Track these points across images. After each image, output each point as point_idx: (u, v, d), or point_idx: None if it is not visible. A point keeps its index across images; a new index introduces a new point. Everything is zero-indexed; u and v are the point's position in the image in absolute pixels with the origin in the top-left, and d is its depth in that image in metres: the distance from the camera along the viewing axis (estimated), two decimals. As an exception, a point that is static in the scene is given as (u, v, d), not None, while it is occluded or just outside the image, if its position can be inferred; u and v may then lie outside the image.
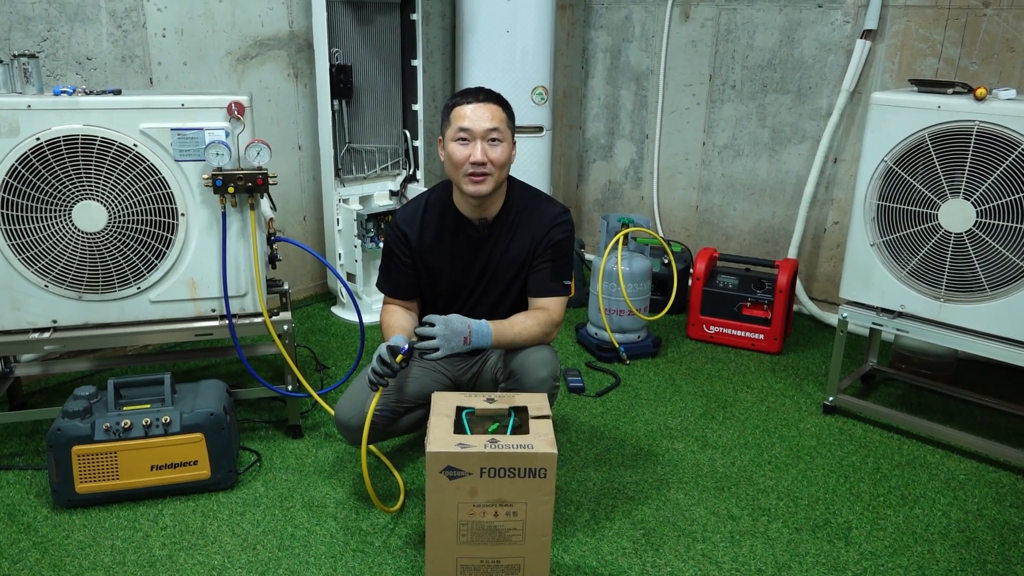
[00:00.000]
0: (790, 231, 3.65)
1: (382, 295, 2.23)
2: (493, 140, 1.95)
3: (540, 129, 3.81)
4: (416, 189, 3.63)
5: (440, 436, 1.55)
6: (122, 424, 2.08)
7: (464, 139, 1.95)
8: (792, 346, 3.32)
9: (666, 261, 3.56)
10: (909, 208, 2.39)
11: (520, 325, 2.03)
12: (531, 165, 3.89)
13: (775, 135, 3.67)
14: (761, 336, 3.23)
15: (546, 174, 3.96)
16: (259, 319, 2.37)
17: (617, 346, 3.13)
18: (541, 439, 1.55)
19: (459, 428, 1.64)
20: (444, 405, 1.70)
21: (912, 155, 2.36)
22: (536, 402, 1.74)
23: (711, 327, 3.33)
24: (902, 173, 2.39)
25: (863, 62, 3.31)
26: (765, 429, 2.63)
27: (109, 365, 2.76)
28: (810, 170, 3.50)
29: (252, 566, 1.92)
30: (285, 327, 2.41)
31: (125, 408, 2.15)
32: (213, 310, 2.36)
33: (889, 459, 2.45)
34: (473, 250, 2.11)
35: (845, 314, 2.61)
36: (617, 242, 3.09)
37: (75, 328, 2.28)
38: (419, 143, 3.61)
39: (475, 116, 1.94)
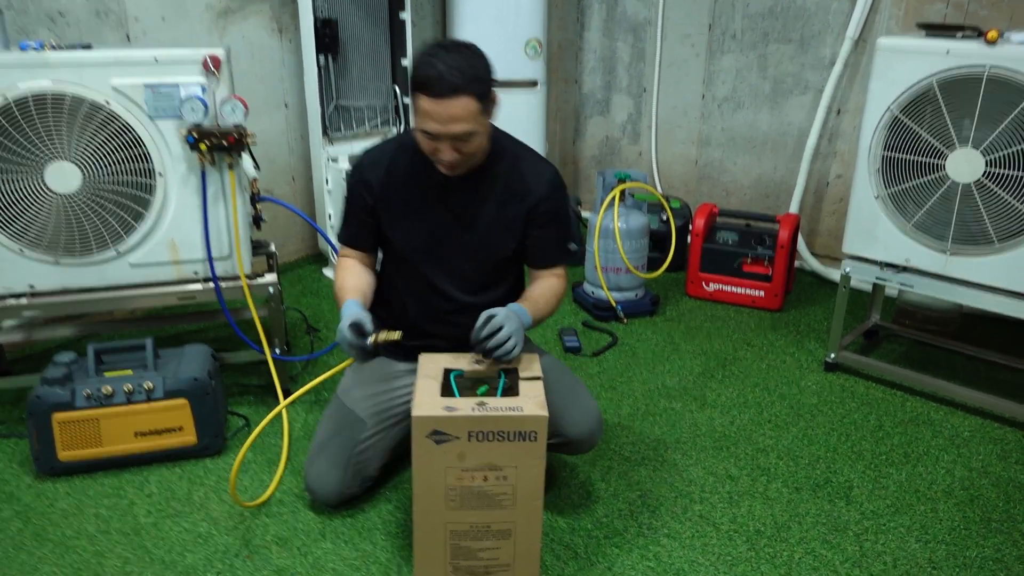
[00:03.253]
0: (791, 185, 3.56)
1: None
2: (463, 139, 1.66)
3: (534, 84, 3.70)
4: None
5: (426, 399, 1.49)
6: (103, 390, 2.03)
7: (429, 136, 1.66)
8: (793, 303, 3.25)
9: (664, 217, 3.47)
10: (915, 159, 2.30)
11: (544, 301, 1.85)
12: (525, 121, 3.79)
13: (776, 86, 3.55)
14: (762, 293, 3.16)
15: (541, 130, 3.85)
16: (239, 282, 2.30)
17: (614, 305, 3.06)
18: (531, 401, 1.49)
19: (447, 391, 1.58)
20: (431, 367, 1.63)
21: (919, 103, 2.27)
22: (527, 364, 1.68)
23: (711, 284, 3.25)
24: (908, 122, 2.29)
25: (868, 8, 3.18)
26: (765, 387, 2.57)
27: (94, 330, 2.70)
28: (812, 122, 3.39)
29: (238, 532, 1.87)
30: (271, 290, 2.34)
31: (106, 374, 2.09)
32: (196, 273, 2.29)
33: (892, 416, 2.39)
34: (450, 202, 1.84)
35: (848, 269, 2.54)
36: (614, 198, 3.01)
37: (53, 293, 2.21)
38: (409, 99, 3.49)
39: (439, 117, 1.59)
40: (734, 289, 3.21)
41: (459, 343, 1.94)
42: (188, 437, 2.13)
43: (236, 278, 2.31)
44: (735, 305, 3.23)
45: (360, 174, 1.89)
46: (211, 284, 2.27)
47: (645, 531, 1.88)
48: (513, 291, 1.96)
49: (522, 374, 1.62)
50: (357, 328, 1.66)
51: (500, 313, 1.67)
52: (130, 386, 2.05)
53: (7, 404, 2.42)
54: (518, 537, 1.56)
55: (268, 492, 1.98)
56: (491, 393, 1.62)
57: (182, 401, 2.09)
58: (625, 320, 3.06)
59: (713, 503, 1.99)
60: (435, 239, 1.88)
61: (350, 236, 1.94)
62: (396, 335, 1.68)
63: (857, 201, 2.48)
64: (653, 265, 3.25)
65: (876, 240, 2.45)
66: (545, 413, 1.46)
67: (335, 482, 1.89)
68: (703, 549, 1.83)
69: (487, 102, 1.66)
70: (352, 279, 1.88)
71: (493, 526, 1.54)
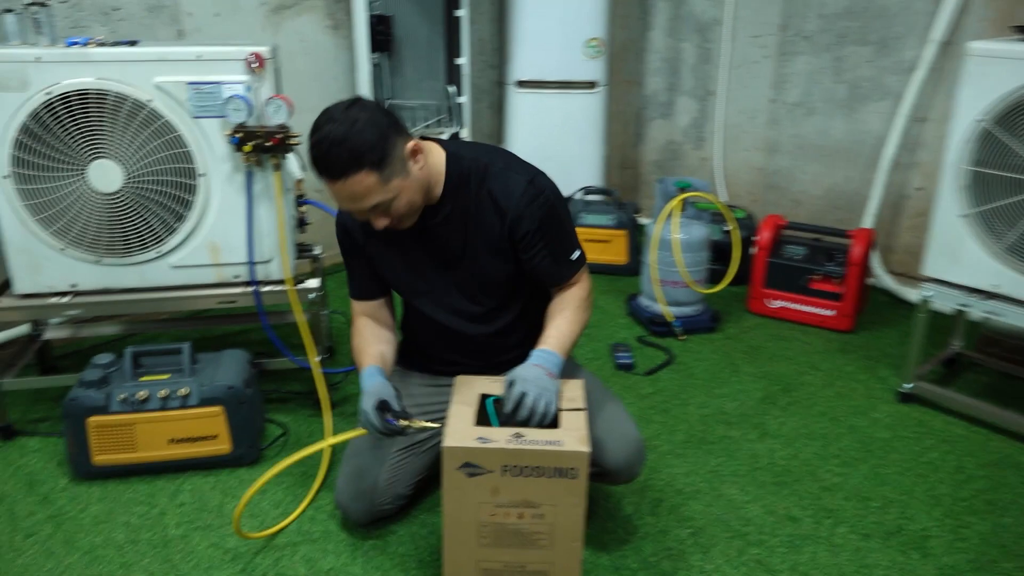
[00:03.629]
0: (866, 197, 3.34)
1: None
2: (381, 208, 1.53)
3: (593, 84, 3.57)
4: (461, 148, 3.43)
5: (458, 428, 1.38)
6: (138, 395, 1.98)
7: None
8: (866, 324, 3.04)
9: (727, 228, 3.30)
10: (1009, 175, 2.09)
11: (569, 324, 1.69)
12: (583, 123, 3.66)
13: (853, 91, 3.34)
14: (831, 312, 2.96)
15: (600, 133, 3.72)
16: (284, 287, 2.23)
17: (671, 320, 2.91)
18: (572, 435, 1.37)
19: (482, 418, 1.47)
20: (466, 391, 1.52)
21: (1015, 114, 2.06)
22: (571, 392, 1.55)
23: (775, 301, 3.07)
24: (1001, 135, 2.09)
25: (956, 8, 2.95)
26: (832, 417, 2.39)
27: (140, 328, 2.67)
28: (891, 130, 3.17)
29: (268, 552, 1.80)
30: (311, 296, 2.27)
31: (143, 378, 2.04)
32: (237, 276, 2.23)
33: (974, 457, 2.19)
34: (426, 244, 1.71)
35: (928, 293, 2.34)
36: (673, 208, 2.85)
37: (95, 292, 2.17)
38: (464, 99, 3.40)
39: (343, 197, 1.51)
40: (801, 307, 3.02)
41: (487, 368, 1.85)
42: (223, 446, 2.07)
43: (278, 282, 2.24)
44: (801, 324, 3.04)
45: (340, 220, 1.78)
46: (251, 288, 2.21)
47: (696, 575, 1.74)
48: (531, 306, 1.82)
49: (564, 404, 1.49)
50: (383, 408, 1.56)
51: (518, 382, 1.53)
52: (165, 391, 2.00)
53: (51, 401, 2.41)
54: (555, 580, 1.44)
55: (283, 524, 1.89)
56: (531, 422, 1.50)
57: (217, 409, 2.03)
58: (682, 337, 2.90)
59: (772, 547, 1.83)
60: (423, 283, 1.78)
61: (357, 289, 1.84)
62: (434, 425, 1.56)
63: (940, 220, 2.28)
64: (714, 278, 3.08)
65: (960, 263, 2.25)
66: (587, 449, 1.33)
67: (365, 501, 1.80)
68: (759, 599, 1.68)
69: (391, 165, 1.49)
70: (370, 343, 1.77)
71: (528, 566, 1.43)
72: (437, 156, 1.65)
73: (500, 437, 1.34)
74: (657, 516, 1.92)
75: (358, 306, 1.85)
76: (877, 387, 2.57)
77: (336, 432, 2.26)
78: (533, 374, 1.54)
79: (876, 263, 3.27)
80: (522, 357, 1.87)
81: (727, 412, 2.42)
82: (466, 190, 1.65)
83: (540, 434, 1.36)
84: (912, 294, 3.23)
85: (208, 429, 2.04)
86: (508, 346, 1.83)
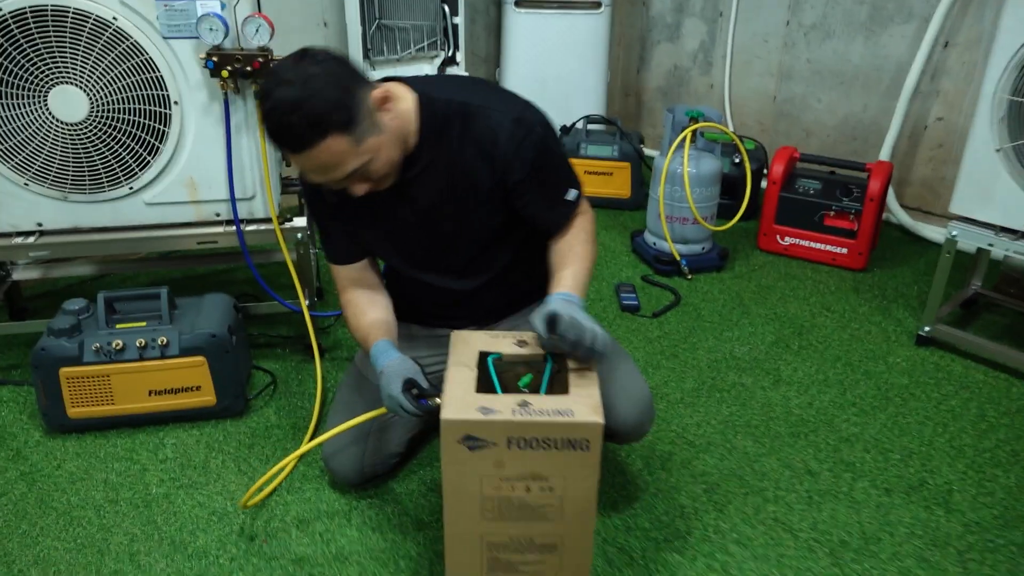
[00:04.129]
0: (883, 127, 3.17)
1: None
2: (359, 173, 1.34)
3: (598, 5, 3.33)
4: (457, 73, 3.22)
5: (457, 396, 1.24)
6: (113, 345, 1.84)
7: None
8: (878, 261, 2.91)
9: (737, 160, 3.13)
10: (1055, 106, 1.93)
11: (580, 261, 1.50)
12: (585, 47, 3.44)
13: (875, 13, 3.12)
14: (844, 250, 2.83)
15: (603, 57, 3.50)
16: (269, 225, 2.07)
17: (678, 258, 2.77)
18: (584, 403, 1.23)
19: (484, 381, 1.33)
20: (463, 351, 1.38)
21: (1066, 38, 1.89)
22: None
23: (786, 238, 2.93)
24: (1050, 61, 1.92)
25: (995, -79, 2.72)
26: (848, 362, 2.28)
27: (116, 269, 2.51)
28: (915, 55, 2.98)
29: (256, 512, 1.69)
30: (299, 235, 2.11)
31: (118, 326, 1.90)
32: (218, 214, 2.06)
33: (995, 405, 2.09)
34: (406, 201, 1.51)
35: (955, 232, 2.20)
36: (684, 139, 2.68)
37: (63, 232, 2.01)
38: (459, 20, 3.17)
39: (312, 169, 1.31)
40: (813, 245, 2.88)
41: (483, 321, 1.71)
42: (207, 397, 1.94)
43: (263, 220, 2.08)
44: (813, 262, 2.91)
45: (307, 179, 1.46)
46: (233, 227, 2.05)
47: (711, 535, 1.65)
48: (523, 251, 1.65)
49: (573, 363, 1.36)
50: (412, 387, 1.38)
51: (561, 311, 1.32)
52: (143, 341, 1.86)
53: (24, 346, 2.27)
54: (566, 551, 1.34)
55: (274, 483, 1.79)
56: (536, 383, 1.37)
57: (199, 359, 1.89)
58: (690, 276, 2.77)
59: (790, 503, 1.74)
60: (407, 246, 1.59)
61: (336, 253, 1.63)
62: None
63: (973, 154, 2.12)
64: (723, 213, 2.93)
65: (993, 200, 2.10)
66: (600, 420, 1.20)
67: (354, 460, 1.68)
68: (778, 561, 1.59)
69: (361, 123, 1.28)
70: (368, 313, 1.58)
71: (537, 539, 1.32)
72: (407, 100, 1.42)
73: (504, 407, 1.21)
74: (668, 471, 1.83)
75: (342, 272, 1.64)
76: (893, 329, 2.46)
77: (326, 379, 2.13)
78: (577, 313, 1.34)
79: (891, 197, 3.12)
80: (512, 306, 1.75)
81: (738, 357, 2.30)
82: (445, 136, 1.44)
83: (548, 402, 1.23)
84: (928, 230, 3.09)
85: (190, 380, 1.91)
86: (500, 298, 1.70)
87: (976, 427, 2.00)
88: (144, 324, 1.91)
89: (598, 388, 1.29)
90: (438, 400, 1.29)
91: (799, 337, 2.41)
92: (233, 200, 2.01)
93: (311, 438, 1.90)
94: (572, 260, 1.50)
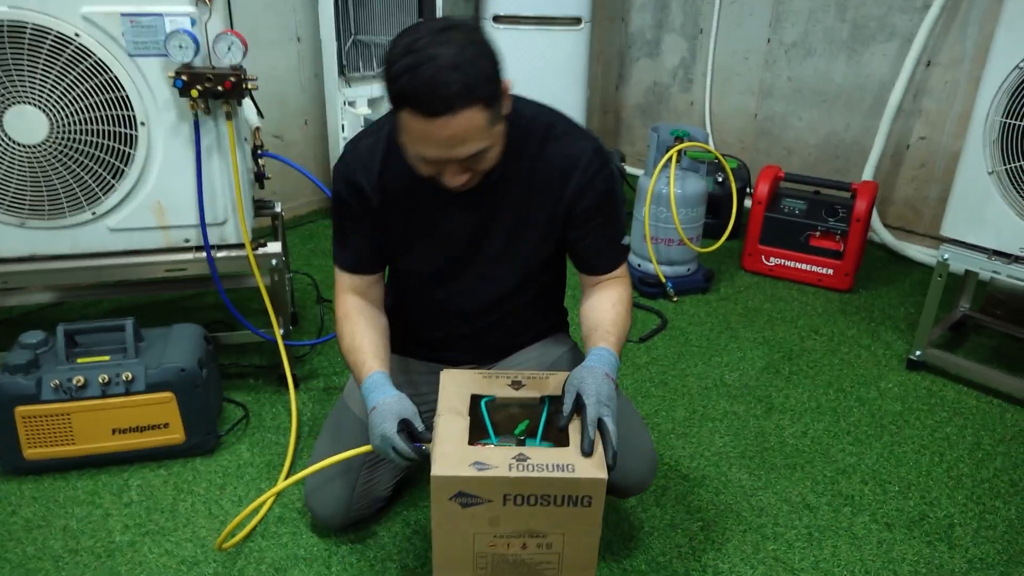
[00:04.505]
0: (865, 146, 3.15)
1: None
2: (474, 159, 1.23)
3: (578, 21, 3.28)
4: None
5: (450, 449, 1.16)
6: (74, 381, 1.72)
7: (426, 161, 1.24)
8: (863, 282, 2.88)
9: (721, 179, 3.09)
10: (1048, 129, 1.91)
11: (623, 323, 1.42)
12: (565, 64, 3.38)
13: (856, 31, 3.11)
14: (830, 271, 2.79)
15: (583, 74, 3.45)
16: (241, 251, 1.97)
17: (664, 280, 2.71)
18: (586, 463, 1.15)
19: (477, 428, 1.25)
20: (454, 393, 1.29)
21: (1059, 60, 1.86)
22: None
23: (771, 259, 2.89)
24: (1043, 84, 1.89)
25: (976, -59, 2.72)
26: (840, 388, 2.23)
27: (77, 296, 2.38)
28: (898, 74, 2.96)
29: (229, 561, 1.59)
30: (273, 262, 2.01)
31: (79, 360, 1.78)
32: (187, 240, 1.96)
33: (990, 432, 2.05)
34: (464, 214, 1.42)
35: (947, 255, 2.16)
36: (670, 159, 2.62)
37: (20, 260, 1.89)
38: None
39: (437, 140, 1.17)
40: (799, 265, 2.84)
41: (483, 357, 1.64)
42: (175, 435, 1.83)
43: (233, 247, 1.98)
44: (799, 283, 2.86)
45: (348, 175, 1.42)
46: (203, 254, 1.94)
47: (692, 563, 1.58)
48: (548, 290, 1.62)
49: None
50: (406, 430, 1.28)
51: (589, 399, 1.22)
52: (106, 376, 1.74)
53: (-23, 379, 2.13)
54: (566, 606, 1.25)
55: (246, 530, 1.69)
56: (533, 429, 1.29)
57: (167, 395, 1.78)
58: (676, 298, 2.71)
59: (790, 541, 1.67)
60: (449, 262, 1.49)
61: (350, 260, 1.50)
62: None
63: (965, 177, 2.09)
64: (707, 233, 2.88)
65: (985, 224, 2.07)
66: (604, 475, 1.13)
67: (340, 505, 1.58)
68: (781, 605, 1.52)
69: (498, 106, 1.21)
70: (367, 335, 1.44)
71: (534, 593, 1.24)
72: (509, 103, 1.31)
73: (500, 461, 1.12)
74: (663, 508, 1.75)
75: (347, 280, 1.51)
76: (883, 353, 2.42)
77: (302, 412, 2.03)
78: (597, 382, 1.25)
79: (874, 217, 3.10)
80: (515, 347, 1.67)
81: (728, 384, 2.24)
82: (524, 152, 1.37)
83: (547, 455, 1.15)
84: (911, 250, 3.07)
85: (157, 417, 1.80)
86: (508, 335, 1.63)
87: (973, 456, 1.96)
88: (108, 358, 1.79)
89: (599, 439, 1.21)
90: (430, 446, 1.21)
91: (789, 362, 2.36)
92: (203, 226, 1.91)
93: (287, 476, 1.80)
94: (617, 317, 1.42)
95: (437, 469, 1.12)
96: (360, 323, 1.46)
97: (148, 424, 1.80)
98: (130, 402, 1.76)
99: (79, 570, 1.56)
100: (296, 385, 2.13)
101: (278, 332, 2.00)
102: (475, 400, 1.29)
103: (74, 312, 2.49)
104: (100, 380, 1.74)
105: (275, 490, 1.52)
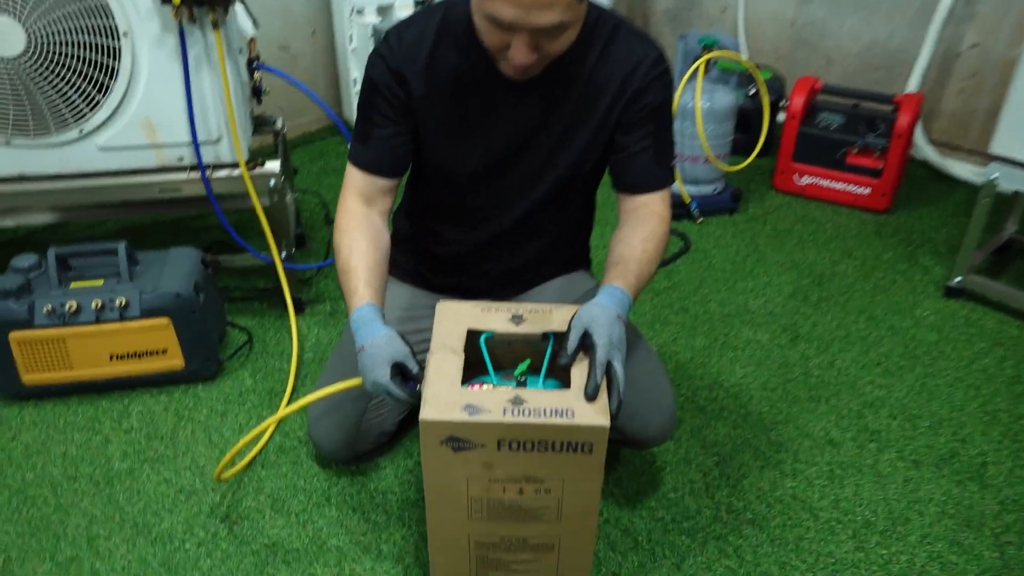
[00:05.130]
0: (910, 55, 2.91)
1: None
2: (549, 34, 1.12)
3: (603, -82, 3.03)
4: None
5: (441, 391, 1.07)
6: (67, 307, 1.67)
7: (500, 26, 1.12)
8: (902, 202, 2.71)
9: (752, 92, 2.89)
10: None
11: (648, 261, 1.29)
12: (590, -34, 3.14)
13: (908, -74, 2.83)
14: (867, 190, 2.62)
15: (608, -22, 3.20)
16: (237, 171, 1.87)
17: (688, 201, 2.57)
18: (588, 407, 1.06)
19: (475, 366, 1.16)
20: (450, 328, 1.20)
21: None
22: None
23: (804, 177, 2.72)
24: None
25: None
26: (872, 316, 2.11)
27: (72, 217, 2.29)
28: (952, -26, 2.70)
29: (227, 489, 1.55)
30: (272, 181, 1.91)
31: (73, 285, 1.73)
32: (181, 159, 1.86)
33: (1032, 364, 1.93)
34: (515, 114, 1.31)
35: (996, 175, 2.00)
36: (696, 71, 2.44)
37: (8, 180, 1.82)
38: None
39: (521, 2, 1.06)
40: (833, 184, 2.67)
41: (501, 285, 1.53)
42: (174, 361, 1.78)
43: (229, 166, 1.88)
44: (832, 203, 2.70)
45: (390, 61, 1.28)
46: (198, 174, 1.85)
47: (723, 515, 1.51)
48: (582, 215, 1.52)
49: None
50: (400, 372, 1.18)
51: (598, 339, 1.12)
52: (99, 302, 1.69)
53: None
54: (563, 550, 1.19)
55: (246, 459, 1.64)
56: (536, 367, 1.20)
57: (163, 320, 1.72)
58: (700, 219, 2.57)
59: (810, 478, 1.59)
60: (491, 165, 1.37)
61: (371, 158, 1.34)
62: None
63: (1021, 89, 1.90)
64: (735, 150, 2.71)
65: (1041, 139, 1.90)
66: (606, 422, 1.04)
67: (344, 441, 1.52)
68: (796, 545, 1.45)
69: None
70: (365, 256, 1.29)
71: (531, 540, 1.17)
72: None
73: (495, 404, 1.04)
74: (677, 442, 1.68)
75: (359, 181, 1.35)
76: (920, 279, 2.28)
77: (305, 338, 1.97)
78: (609, 322, 1.14)
79: (917, 132, 2.89)
80: (536, 278, 1.57)
81: (752, 310, 2.13)
82: (590, 47, 1.27)
83: (546, 399, 1.06)
84: (956, 167, 2.87)
85: (155, 343, 1.75)
86: (531, 262, 1.53)
87: (1011, 390, 1.84)
88: (101, 282, 1.73)
89: (604, 380, 1.12)
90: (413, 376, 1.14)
91: (818, 288, 2.23)
92: (196, 143, 1.81)
93: (287, 404, 1.75)
94: (642, 254, 1.28)
95: (426, 413, 1.04)
96: (361, 241, 1.33)
97: (146, 350, 1.75)
98: (126, 328, 1.71)
99: (77, 497, 1.54)
100: (300, 309, 2.07)
101: (277, 255, 1.93)
102: (475, 337, 1.20)
103: (80, 232, 2.44)
104: (94, 306, 1.68)
105: (274, 418, 1.43)
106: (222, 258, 2.03)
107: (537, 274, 1.57)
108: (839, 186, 2.66)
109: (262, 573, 1.39)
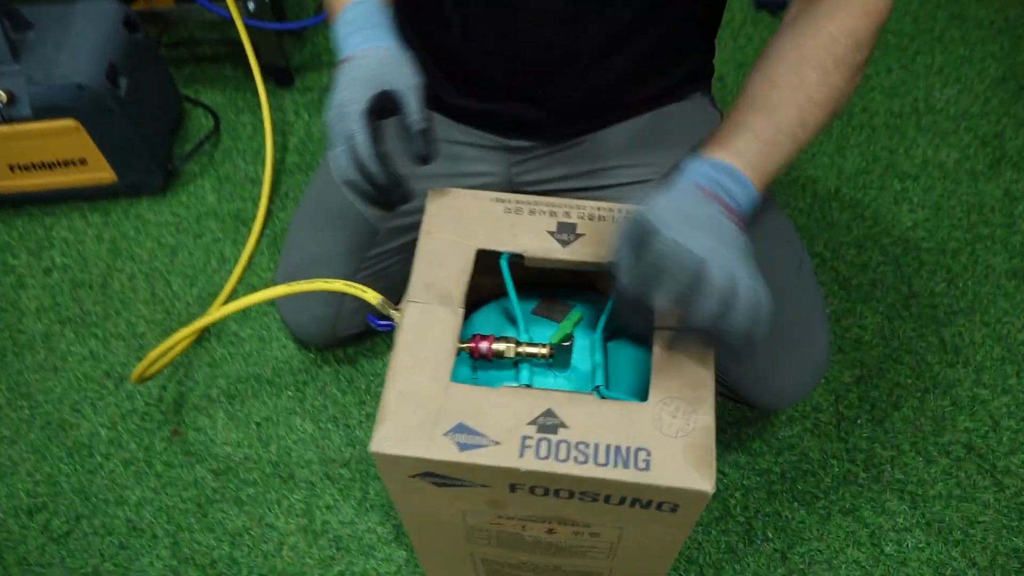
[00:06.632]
0: None
1: None
2: None
3: None
4: None
5: (410, 394, 0.56)
6: (-75, 102, 1.15)
7: None
8: None
9: None
10: None
11: (833, 87, 0.65)
12: None
13: None
14: None
15: None
16: None
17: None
18: (678, 439, 0.53)
19: (484, 319, 0.64)
20: (445, 241, 0.63)
21: None
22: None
23: None
24: None
25: None
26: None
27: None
28: None
29: (170, 380, 1.14)
30: None
31: (-64, 64, 1.18)
32: None
33: None
34: None
35: None
36: None
37: None
38: None
39: None
40: None
41: (562, 112, 0.89)
42: (101, 173, 1.29)
43: None
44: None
45: None
46: None
47: (859, 472, 1.03)
48: (684, 34, 0.83)
49: (660, 322, 0.60)
50: (382, 112, 0.64)
51: (660, 232, 0.53)
52: (-28, 95, 1.16)
53: None
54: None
55: (162, 363, 1.17)
56: (593, 320, 0.66)
57: (68, 123, 1.20)
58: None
59: (997, 416, 1.08)
60: None
61: None
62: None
63: None
64: None
65: None
66: (710, 487, 0.52)
67: (326, 322, 1.04)
68: (965, 533, 0.99)
69: None
70: None
71: (566, 567, 0.73)
72: None
73: (506, 430, 0.51)
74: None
75: None
76: None
77: (292, 128, 1.42)
78: (692, 216, 0.56)
79: None
80: (615, 110, 0.91)
81: (937, 108, 1.44)
82: None
83: (598, 418, 0.52)
84: None
85: (66, 151, 1.24)
86: (619, 78, 0.85)
87: None
88: (-25, 64, 1.18)
89: (712, 387, 0.58)
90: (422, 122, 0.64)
91: (1041, 71, 1.50)
92: None
93: (249, 257, 1.26)
94: (787, 91, 0.65)
95: (379, 440, 0.55)
96: None
97: (57, 160, 1.25)
98: (17, 132, 1.19)
99: (-25, 376, 1.16)
100: (288, 81, 1.49)
101: (235, 8, 1.30)
102: (491, 257, 0.65)
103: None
104: (-37, 101, 1.15)
105: (196, 326, 0.90)
106: (161, 11, 1.41)
107: (623, 98, 0.89)
108: None
109: (206, 516, 1.03)
